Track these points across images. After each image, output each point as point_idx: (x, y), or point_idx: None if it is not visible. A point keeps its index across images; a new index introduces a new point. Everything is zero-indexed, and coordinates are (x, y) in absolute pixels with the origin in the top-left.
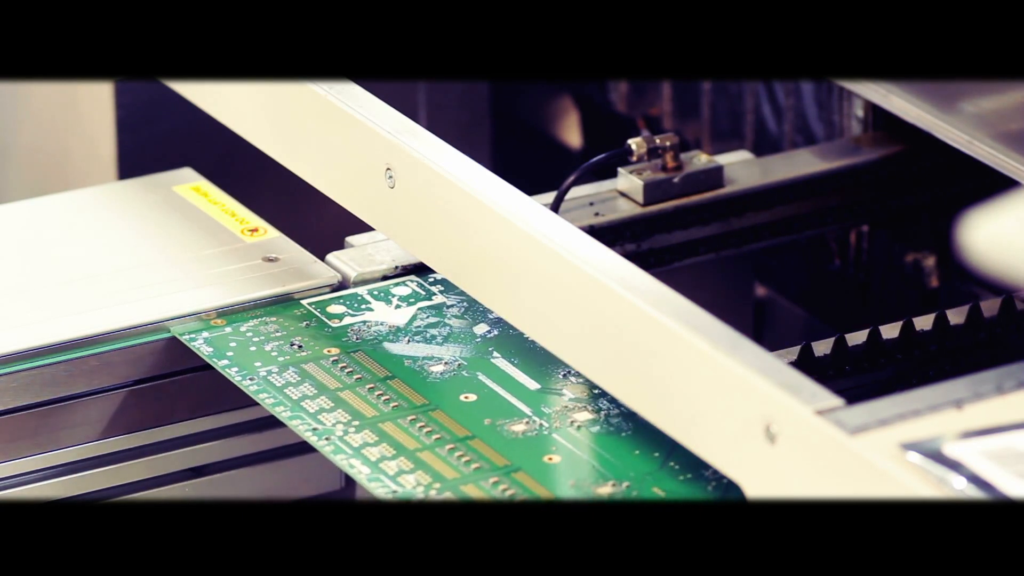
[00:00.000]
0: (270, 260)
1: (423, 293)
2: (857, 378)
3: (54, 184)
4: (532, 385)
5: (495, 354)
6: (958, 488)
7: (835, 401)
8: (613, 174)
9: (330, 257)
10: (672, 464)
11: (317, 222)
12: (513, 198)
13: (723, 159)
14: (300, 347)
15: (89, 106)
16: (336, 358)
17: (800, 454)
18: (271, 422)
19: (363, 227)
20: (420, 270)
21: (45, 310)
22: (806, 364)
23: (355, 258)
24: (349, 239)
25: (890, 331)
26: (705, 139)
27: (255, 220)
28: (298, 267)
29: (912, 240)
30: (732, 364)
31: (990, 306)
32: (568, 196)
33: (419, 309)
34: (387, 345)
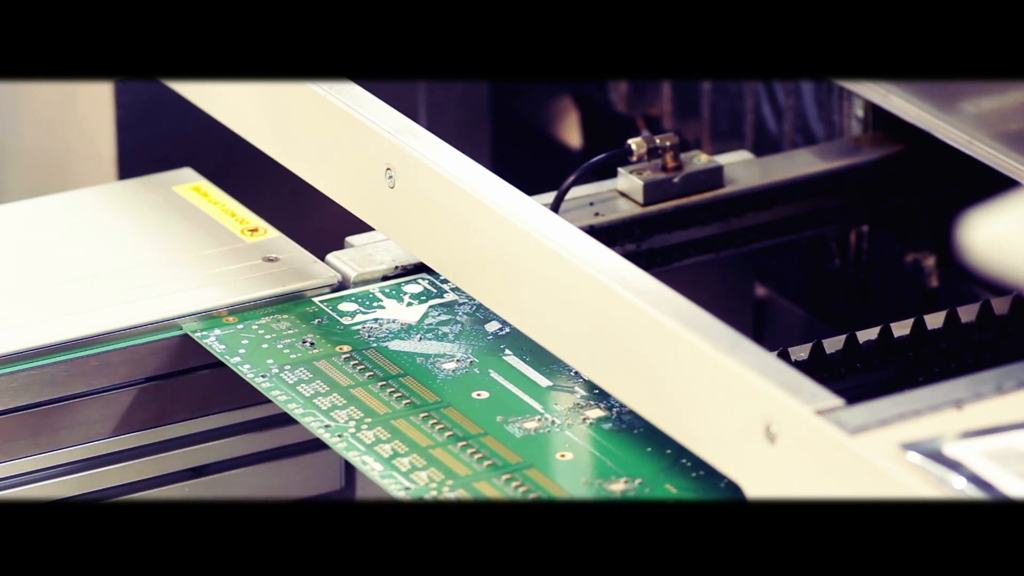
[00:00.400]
0: (270, 260)
1: (434, 291)
2: (860, 377)
3: (54, 184)
4: (543, 382)
5: (506, 351)
6: (958, 488)
7: (835, 401)
8: (613, 174)
9: (330, 257)
10: (684, 461)
11: (317, 222)
12: (513, 198)
13: (723, 159)
14: (312, 344)
15: (89, 106)
16: (348, 355)
17: (800, 454)
18: (271, 422)
19: (363, 227)
20: (420, 270)
21: (45, 310)
22: (808, 364)
23: (355, 258)
24: (349, 239)
25: (900, 329)
26: (705, 139)
27: (255, 220)
28: (298, 267)
29: (912, 240)
30: (732, 364)
31: (997, 306)
32: (568, 196)
33: (430, 307)
34: (399, 342)
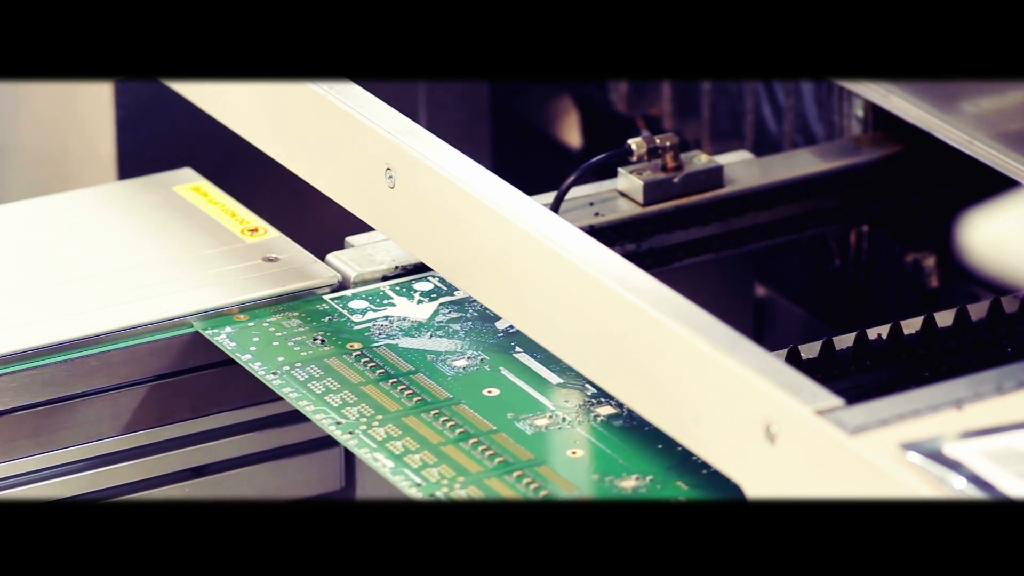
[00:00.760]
0: (270, 260)
1: (445, 288)
2: (870, 375)
3: (54, 184)
4: (554, 379)
5: (517, 348)
6: (958, 488)
7: (835, 401)
8: (613, 174)
9: (330, 257)
10: (694, 458)
11: (317, 222)
12: (513, 198)
13: (723, 159)
14: (323, 341)
15: (89, 106)
16: (359, 353)
17: (800, 454)
18: (271, 422)
19: (363, 227)
20: (420, 270)
21: (45, 310)
22: (818, 361)
23: (355, 258)
24: (349, 239)
25: (905, 328)
26: (705, 139)
27: (255, 220)
28: (298, 267)
29: (912, 240)
30: (732, 364)
31: (981, 308)
32: (568, 196)
33: (441, 304)
34: (410, 340)
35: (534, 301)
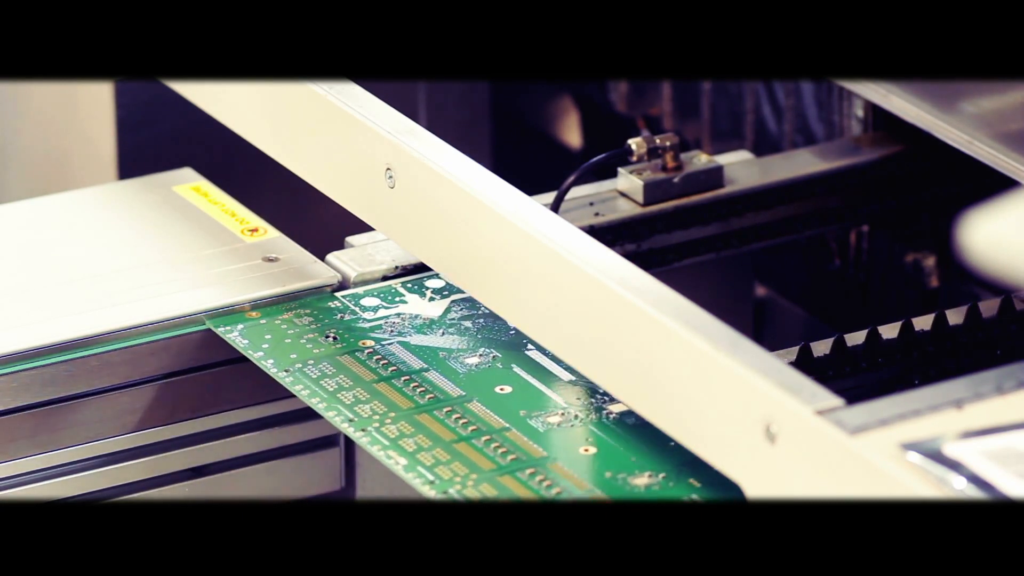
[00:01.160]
0: (270, 260)
1: (457, 286)
2: (881, 372)
3: (54, 184)
4: (566, 376)
5: (529, 346)
6: (958, 488)
7: (835, 401)
8: (613, 174)
9: (330, 257)
10: None
11: (317, 222)
12: (513, 198)
13: (723, 159)
14: (335, 339)
15: (89, 106)
16: (371, 350)
17: (800, 454)
18: (271, 422)
19: (363, 227)
20: (420, 270)
21: (45, 310)
22: (809, 363)
23: (355, 258)
24: (349, 239)
25: (920, 325)
26: (705, 139)
27: (255, 220)
28: (298, 267)
29: (912, 240)
30: (732, 364)
31: (991, 306)
32: (568, 196)
33: (453, 301)
34: (422, 337)
35: (534, 301)
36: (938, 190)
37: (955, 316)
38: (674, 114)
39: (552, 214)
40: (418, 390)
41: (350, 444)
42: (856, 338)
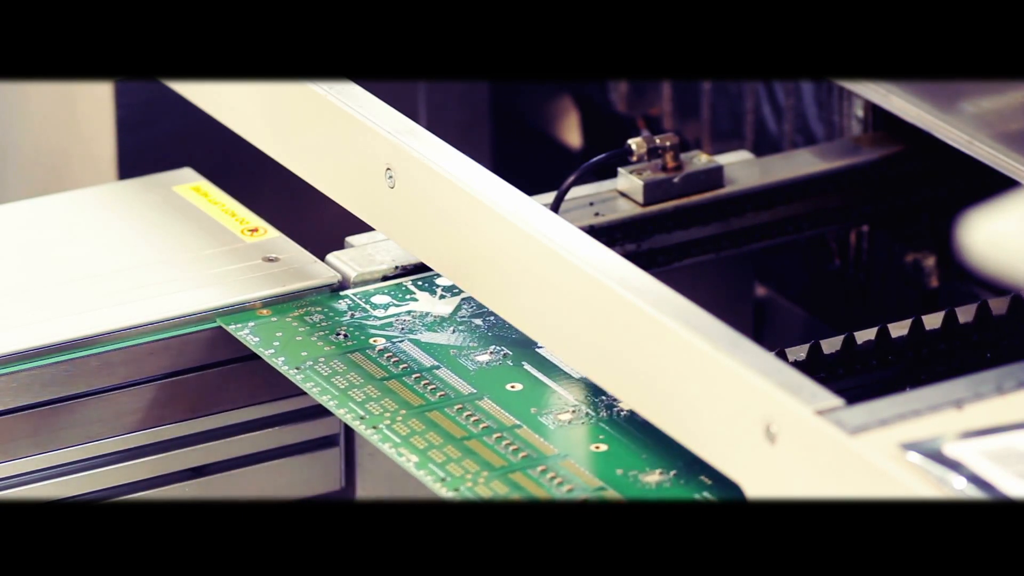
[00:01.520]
0: (270, 260)
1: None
2: (893, 369)
3: (54, 184)
4: (576, 373)
5: (539, 343)
6: (958, 488)
7: (835, 401)
8: (613, 174)
9: (330, 257)
10: None
11: (317, 222)
12: (513, 198)
13: (723, 159)
14: (346, 337)
15: (89, 106)
16: (382, 348)
17: (800, 454)
18: (271, 422)
19: (363, 227)
20: (420, 270)
21: (45, 310)
22: (840, 356)
23: (355, 258)
24: (349, 239)
25: (930, 323)
26: (705, 139)
27: (255, 220)
28: (298, 267)
29: (912, 240)
30: (732, 364)
31: (996, 305)
32: (568, 196)
33: (463, 299)
34: (432, 335)
35: (534, 301)
36: (938, 190)
37: (964, 314)
38: (674, 114)
39: (552, 214)
40: (429, 387)
41: (350, 444)
42: (867, 335)
